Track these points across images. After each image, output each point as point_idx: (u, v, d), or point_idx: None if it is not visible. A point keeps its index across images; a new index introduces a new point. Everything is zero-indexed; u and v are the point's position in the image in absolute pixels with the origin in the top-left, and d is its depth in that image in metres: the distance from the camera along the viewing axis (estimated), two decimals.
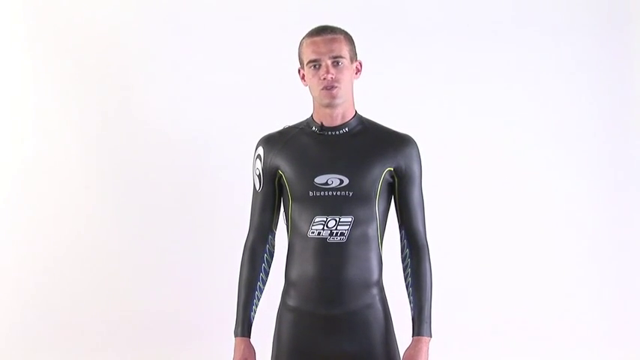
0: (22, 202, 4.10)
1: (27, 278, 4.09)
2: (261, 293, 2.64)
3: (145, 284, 4.08)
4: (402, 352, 2.57)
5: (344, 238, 2.52)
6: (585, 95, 4.24)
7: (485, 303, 4.13)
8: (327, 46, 2.54)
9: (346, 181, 2.54)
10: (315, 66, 2.55)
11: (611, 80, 4.25)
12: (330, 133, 2.60)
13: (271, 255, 2.68)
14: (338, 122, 2.60)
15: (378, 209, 2.57)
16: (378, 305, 2.57)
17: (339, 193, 2.54)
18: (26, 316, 4.08)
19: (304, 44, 2.59)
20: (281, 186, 2.64)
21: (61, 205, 4.10)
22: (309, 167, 2.56)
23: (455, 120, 4.15)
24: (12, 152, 4.11)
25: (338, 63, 2.54)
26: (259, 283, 2.64)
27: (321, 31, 2.58)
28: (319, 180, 2.55)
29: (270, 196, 2.66)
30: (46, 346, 4.06)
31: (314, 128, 2.62)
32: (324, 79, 2.53)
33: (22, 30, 4.10)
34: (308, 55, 2.56)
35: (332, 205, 2.53)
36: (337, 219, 2.53)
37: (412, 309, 2.58)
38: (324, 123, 2.60)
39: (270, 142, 2.66)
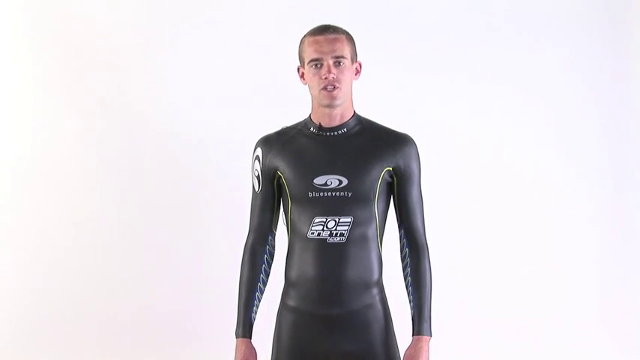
0: (22, 201, 4.11)
1: (27, 278, 4.10)
2: (261, 294, 2.64)
3: (146, 285, 4.08)
4: (402, 352, 2.58)
5: (343, 239, 2.53)
6: (585, 95, 4.25)
7: (486, 302, 4.14)
8: (329, 46, 2.53)
9: (345, 181, 2.54)
10: (316, 65, 2.54)
11: (611, 80, 4.25)
12: (328, 133, 2.60)
13: (271, 255, 2.68)
14: (336, 122, 2.60)
15: (377, 209, 2.57)
16: (378, 305, 2.57)
17: (338, 193, 2.54)
18: (26, 316, 4.09)
19: (306, 42, 2.57)
20: (280, 187, 2.64)
21: (61, 204, 4.11)
22: (308, 168, 2.56)
23: (454, 119, 4.16)
24: (12, 152, 4.12)
25: (340, 63, 2.53)
26: (259, 284, 2.64)
27: (324, 30, 2.56)
28: (318, 181, 2.55)
29: (270, 196, 2.65)
30: (46, 346, 4.07)
31: (312, 129, 2.62)
32: (326, 78, 2.52)
33: (22, 29, 4.11)
34: (310, 54, 2.55)
35: (331, 205, 2.53)
36: (337, 219, 2.53)
37: (412, 308, 2.58)
38: (322, 123, 2.60)
39: (269, 143, 2.65)
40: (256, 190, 2.67)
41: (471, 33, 4.19)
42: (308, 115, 2.66)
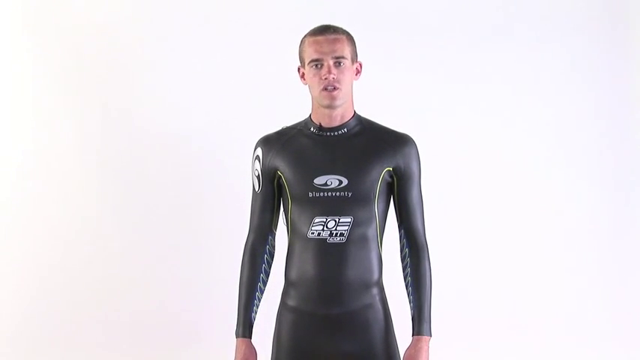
0: (22, 201, 4.10)
1: (26, 278, 4.09)
2: (261, 294, 2.65)
3: (146, 285, 4.08)
4: (402, 352, 2.58)
5: (343, 239, 2.53)
6: (585, 95, 4.24)
7: (486, 302, 4.14)
8: (329, 46, 2.53)
9: (345, 181, 2.54)
10: (316, 65, 2.54)
11: (611, 80, 4.25)
12: (328, 133, 2.60)
13: (271, 255, 2.68)
14: (337, 123, 2.60)
15: (377, 209, 2.57)
16: (378, 305, 2.57)
17: (338, 193, 2.54)
18: (26, 316, 4.08)
19: (306, 43, 2.58)
20: (280, 187, 2.64)
21: (61, 205, 4.10)
22: (308, 168, 2.57)
23: (454, 119, 4.16)
24: (12, 152, 4.11)
25: (340, 63, 2.54)
26: (260, 284, 2.64)
27: (324, 30, 2.56)
28: (318, 181, 2.55)
29: (270, 196, 2.66)
30: (46, 346, 4.06)
31: (312, 129, 2.62)
32: (326, 79, 2.52)
33: (21, 29, 4.11)
34: (310, 54, 2.55)
35: (331, 205, 2.53)
36: (337, 219, 2.53)
37: (412, 308, 2.58)
38: (322, 124, 2.60)
39: (269, 143, 2.66)
40: (256, 190, 2.68)
41: (471, 33, 4.18)
42: (308, 115, 2.66)
